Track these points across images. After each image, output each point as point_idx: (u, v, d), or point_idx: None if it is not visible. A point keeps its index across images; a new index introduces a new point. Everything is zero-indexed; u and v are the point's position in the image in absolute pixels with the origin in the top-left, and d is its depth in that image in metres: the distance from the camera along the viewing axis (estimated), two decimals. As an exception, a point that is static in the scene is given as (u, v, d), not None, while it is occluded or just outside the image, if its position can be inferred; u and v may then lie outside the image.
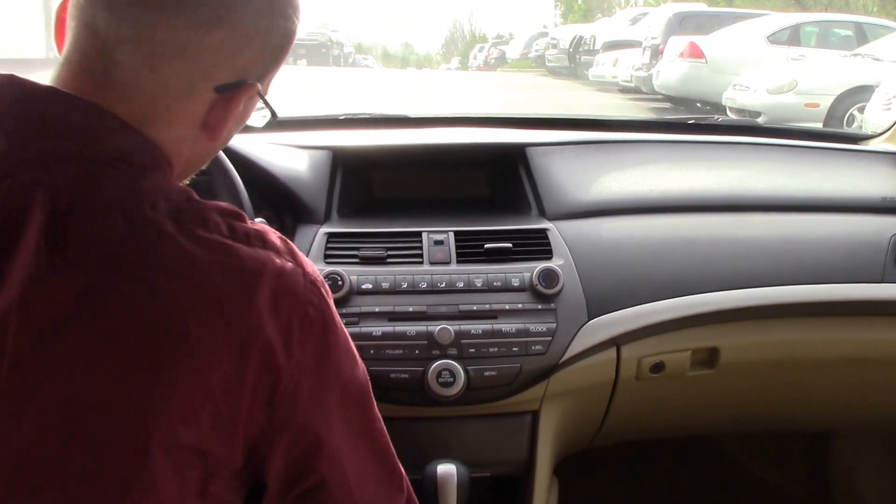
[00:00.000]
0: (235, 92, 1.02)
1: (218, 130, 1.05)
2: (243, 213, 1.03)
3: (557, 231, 1.85)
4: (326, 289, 1.07)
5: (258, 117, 1.21)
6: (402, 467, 1.21)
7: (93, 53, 0.96)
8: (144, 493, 0.89)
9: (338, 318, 1.08)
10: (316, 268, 1.70)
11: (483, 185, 2.14)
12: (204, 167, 1.19)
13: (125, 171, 0.95)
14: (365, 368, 1.14)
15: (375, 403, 1.16)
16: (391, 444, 1.18)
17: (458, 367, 1.61)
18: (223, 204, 1.01)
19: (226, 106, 1.03)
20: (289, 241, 1.06)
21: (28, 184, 0.90)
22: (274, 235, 1.04)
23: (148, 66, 0.96)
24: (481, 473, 1.74)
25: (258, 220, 1.66)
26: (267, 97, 1.13)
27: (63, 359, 0.87)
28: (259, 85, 1.05)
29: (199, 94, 1.00)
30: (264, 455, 1.01)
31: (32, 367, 0.86)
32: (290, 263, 1.01)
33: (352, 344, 1.11)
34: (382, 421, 1.17)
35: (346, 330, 1.10)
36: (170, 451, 0.90)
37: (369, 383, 1.14)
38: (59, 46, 1.03)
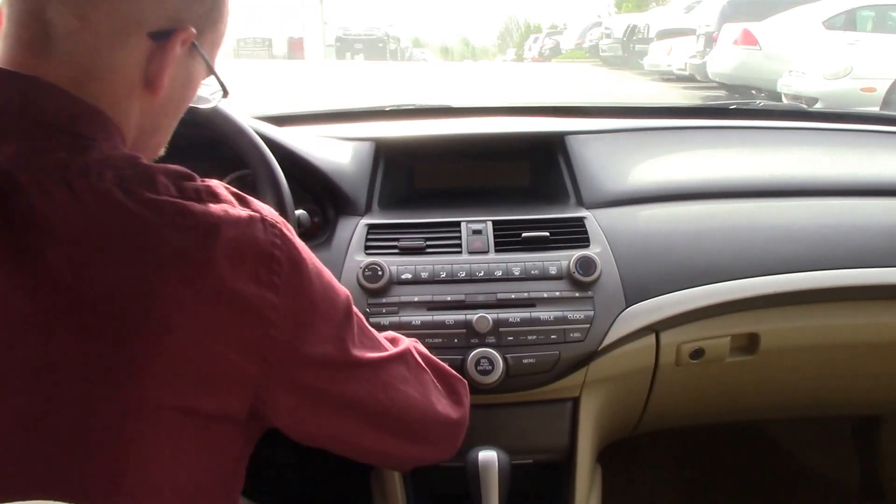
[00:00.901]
0: (170, 38, 1.02)
1: (158, 82, 1.03)
2: (193, 174, 1.03)
3: (595, 219, 1.86)
4: (289, 228, 1.07)
5: (213, 97, 1.24)
6: (418, 354, 1.30)
7: (26, 20, 0.98)
8: (130, 453, 0.92)
9: (307, 253, 1.08)
10: (355, 258, 1.73)
11: (523, 175, 2.15)
12: (162, 138, 1.18)
13: (69, 143, 0.96)
14: (348, 293, 1.15)
15: (364, 321, 1.20)
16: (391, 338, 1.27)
17: (497, 354, 1.63)
18: (171, 166, 1.01)
19: (162, 55, 1.03)
20: (241, 193, 1.06)
21: None
22: (224, 189, 1.04)
23: (77, 15, 0.96)
24: (523, 460, 1.75)
25: (299, 211, 1.68)
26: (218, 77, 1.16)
27: (30, 335, 0.89)
28: (193, 31, 1.04)
29: (135, 42, 1.00)
30: (266, 402, 1.03)
31: (4, 344, 0.88)
32: (245, 212, 1.01)
33: (327, 274, 1.12)
34: (373, 329, 1.22)
35: (318, 262, 1.11)
36: (152, 415, 0.92)
37: (351, 303, 1.15)
38: None
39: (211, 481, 1.03)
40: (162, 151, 1.18)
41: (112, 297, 0.90)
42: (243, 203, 1.03)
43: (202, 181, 1.02)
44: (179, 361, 0.93)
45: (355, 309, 1.17)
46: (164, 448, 0.94)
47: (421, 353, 1.32)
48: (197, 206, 0.97)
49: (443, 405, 1.31)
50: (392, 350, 1.23)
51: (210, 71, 1.13)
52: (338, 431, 1.16)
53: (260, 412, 1.04)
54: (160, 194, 0.96)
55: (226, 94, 1.21)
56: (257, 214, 1.02)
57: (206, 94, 1.24)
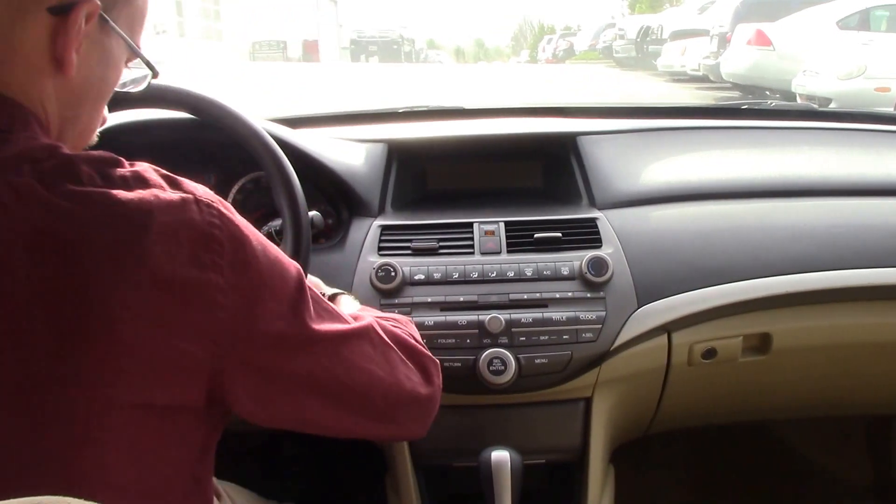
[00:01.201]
0: (72, 12, 0.95)
1: (65, 61, 0.97)
2: (119, 159, 0.99)
3: (607, 220, 1.87)
4: (227, 206, 1.02)
5: (138, 80, 1.19)
6: (392, 332, 1.25)
7: None
8: (89, 455, 0.90)
9: (249, 229, 1.03)
10: (369, 259, 1.73)
11: (536, 176, 2.16)
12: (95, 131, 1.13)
13: None
14: (298, 267, 1.10)
15: (320, 296, 1.14)
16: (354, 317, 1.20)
17: (509, 355, 1.64)
18: (93, 153, 0.97)
19: (66, 31, 0.96)
20: (172, 175, 1.01)
21: None
22: (154, 172, 0.99)
23: None
24: (536, 460, 1.76)
25: (312, 213, 1.69)
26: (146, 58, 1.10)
27: None
28: (98, 3, 0.97)
29: (35, 20, 0.94)
30: (224, 386, 0.99)
31: None
32: (177, 194, 0.96)
33: (273, 249, 1.07)
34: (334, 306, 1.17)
35: (262, 238, 1.05)
36: (106, 413, 0.90)
37: (303, 278, 1.10)
38: None
39: (177, 473, 1.01)
40: (94, 139, 1.14)
41: (47, 298, 0.87)
42: (175, 185, 0.99)
43: (130, 165, 0.98)
44: (127, 357, 0.90)
45: (309, 283, 1.12)
46: (123, 446, 0.92)
47: (387, 330, 1.27)
48: (125, 194, 0.92)
49: (412, 383, 1.26)
50: (353, 325, 1.18)
51: (131, 49, 1.07)
52: (300, 412, 1.12)
53: (219, 398, 1.01)
54: (85, 185, 0.92)
55: (154, 74, 1.16)
56: (190, 196, 0.97)
57: (137, 76, 1.19)
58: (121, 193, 0.92)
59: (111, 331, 0.88)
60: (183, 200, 0.96)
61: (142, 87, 1.23)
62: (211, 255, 0.95)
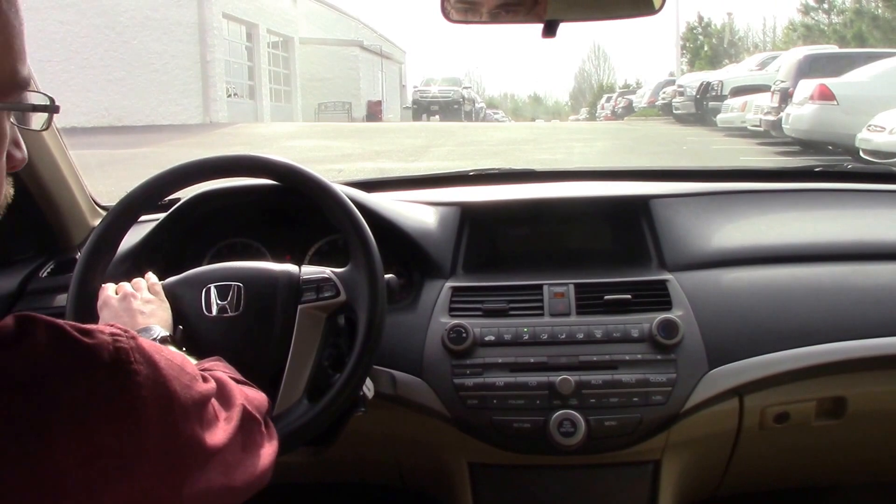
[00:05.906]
0: None
1: None
2: None
3: (677, 282, 1.86)
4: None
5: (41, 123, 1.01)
6: None
7: None
8: None
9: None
10: (440, 320, 1.73)
11: (605, 238, 2.16)
12: None
13: None
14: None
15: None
16: None
17: (579, 416, 1.64)
18: None
19: None
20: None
21: None
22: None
23: None
24: None
25: (388, 276, 1.71)
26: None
27: None
28: None
29: None
30: None
31: None
32: None
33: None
34: None
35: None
36: None
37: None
38: None
39: None
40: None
41: None
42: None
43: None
44: None
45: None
46: None
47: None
48: None
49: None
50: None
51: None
52: None
53: None
54: None
55: (52, 110, 0.83)
56: None
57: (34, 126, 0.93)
58: None
59: None
60: None
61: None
62: None
